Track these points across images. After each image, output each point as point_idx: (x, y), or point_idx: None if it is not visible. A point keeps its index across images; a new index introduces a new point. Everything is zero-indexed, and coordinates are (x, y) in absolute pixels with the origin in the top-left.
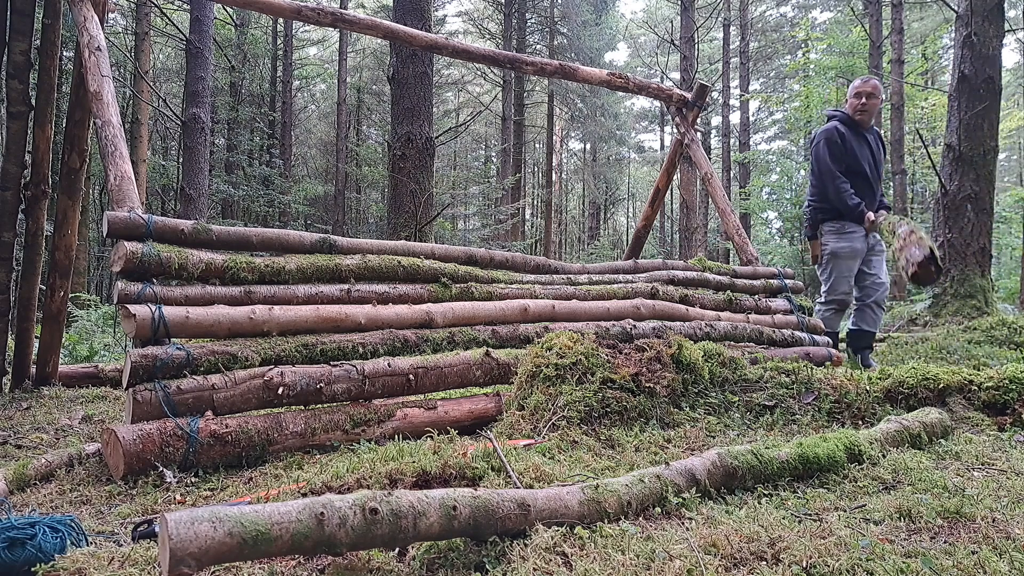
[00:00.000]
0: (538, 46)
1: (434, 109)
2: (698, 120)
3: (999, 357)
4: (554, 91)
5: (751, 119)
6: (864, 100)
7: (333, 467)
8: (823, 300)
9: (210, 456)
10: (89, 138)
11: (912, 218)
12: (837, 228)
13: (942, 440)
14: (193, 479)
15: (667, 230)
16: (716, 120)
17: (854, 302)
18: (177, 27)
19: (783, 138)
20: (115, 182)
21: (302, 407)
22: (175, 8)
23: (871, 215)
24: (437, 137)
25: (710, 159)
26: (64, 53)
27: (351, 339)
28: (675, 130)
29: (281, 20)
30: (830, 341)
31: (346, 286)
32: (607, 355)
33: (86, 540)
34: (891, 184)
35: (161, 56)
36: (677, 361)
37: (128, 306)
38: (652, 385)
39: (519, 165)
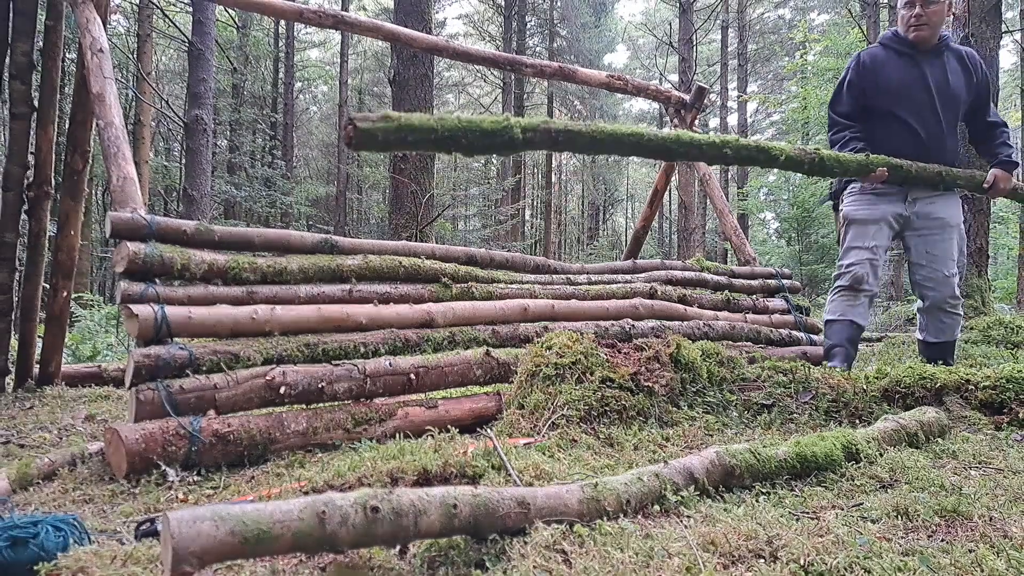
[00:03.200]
0: (538, 48)
1: (435, 111)
2: (696, 121)
3: (996, 357)
4: (553, 93)
5: (749, 121)
6: (918, 9)
7: (335, 466)
8: (834, 276)
9: (212, 455)
10: (92, 139)
11: None
12: (859, 188)
13: (939, 439)
14: (195, 478)
15: (665, 231)
16: (714, 122)
17: (918, 304)
18: (179, 29)
19: (781, 139)
20: (118, 183)
21: (304, 406)
22: (177, 10)
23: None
24: None
25: None
26: (67, 55)
27: (353, 339)
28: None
29: (283, 22)
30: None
31: (348, 286)
32: (606, 354)
33: (89, 539)
34: None
35: (163, 58)
36: (675, 360)
37: (131, 306)
38: (651, 384)
39: (519, 166)
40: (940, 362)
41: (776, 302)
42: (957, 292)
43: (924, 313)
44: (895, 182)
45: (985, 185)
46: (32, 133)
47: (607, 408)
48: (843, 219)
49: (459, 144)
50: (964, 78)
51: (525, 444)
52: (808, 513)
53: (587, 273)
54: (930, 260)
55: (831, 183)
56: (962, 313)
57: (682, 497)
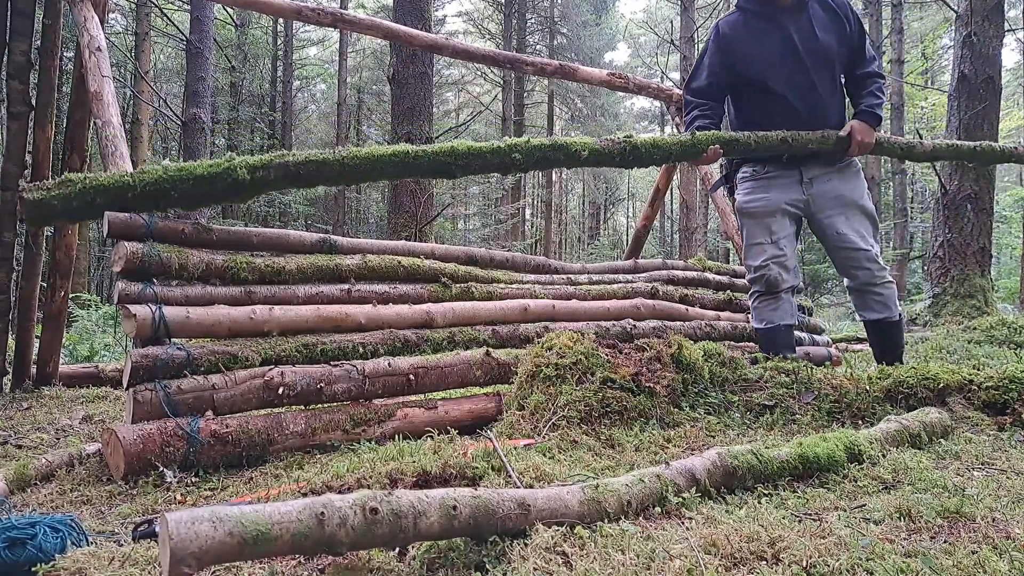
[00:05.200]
0: (538, 46)
1: (434, 109)
2: None
3: (999, 357)
4: (554, 91)
5: None
6: None
7: (333, 467)
8: (748, 279)
9: (211, 456)
10: (89, 138)
11: (911, 218)
12: (751, 174)
13: (942, 440)
14: (194, 479)
15: (667, 230)
16: None
17: (848, 283)
18: (177, 27)
19: None
20: None
21: (302, 407)
22: (175, 8)
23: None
24: (437, 137)
25: None
26: (64, 53)
27: (351, 339)
28: (675, 130)
29: (281, 20)
30: (829, 341)
31: (346, 286)
32: (607, 355)
33: (87, 540)
34: (891, 184)
35: (161, 56)
36: (677, 361)
37: (129, 306)
38: (652, 385)
39: None
40: (898, 344)
41: None
42: (881, 262)
43: (856, 293)
44: (735, 155)
45: (843, 135)
46: (30, 132)
47: (608, 409)
48: (736, 211)
49: (170, 198)
50: (835, 29)
51: (525, 445)
52: (810, 514)
53: (588, 273)
54: (843, 240)
55: (722, 166)
56: (894, 286)
57: (684, 499)
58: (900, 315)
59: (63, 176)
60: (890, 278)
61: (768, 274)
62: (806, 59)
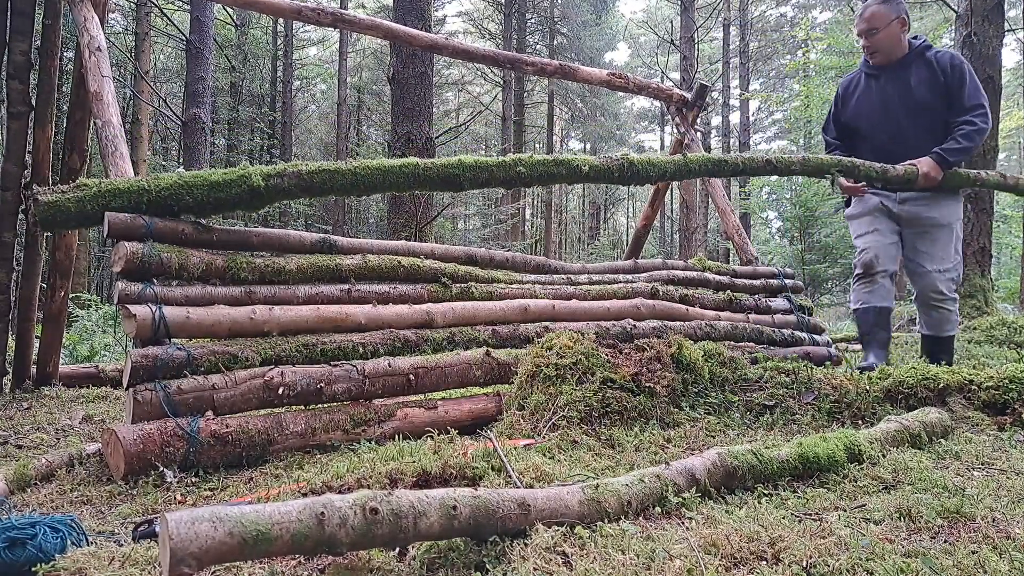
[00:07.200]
0: (538, 46)
1: (434, 109)
2: (698, 120)
3: (999, 357)
4: (554, 91)
5: (751, 119)
6: (864, 40)
7: (333, 467)
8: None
9: (211, 456)
10: (89, 138)
11: None
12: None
13: (942, 440)
14: (194, 479)
15: (667, 230)
16: (716, 120)
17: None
18: (177, 27)
19: (783, 138)
20: None
21: (302, 407)
22: (175, 8)
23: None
24: (437, 137)
25: None
26: (64, 53)
27: (351, 339)
28: (675, 130)
29: (281, 20)
30: (829, 340)
31: (346, 286)
32: (607, 355)
33: (87, 540)
34: None
35: (161, 56)
36: (677, 361)
37: (129, 306)
38: (652, 385)
39: None
40: (938, 359)
41: (779, 302)
42: (942, 288)
43: (917, 304)
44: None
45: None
46: (30, 132)
47: (608, 409)
48: (846, 218)
49: (184, 204)
50: (931, 85)
51: (525, 445)
52: (810, 514)
53: (588, 273)
54: (914, 255)
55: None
56: (951, 309)
57: (684, 499)
58: (950, 336)
59: (78, 180)
60: (950, 305)
61: (864, 257)
62: (898, 109)
